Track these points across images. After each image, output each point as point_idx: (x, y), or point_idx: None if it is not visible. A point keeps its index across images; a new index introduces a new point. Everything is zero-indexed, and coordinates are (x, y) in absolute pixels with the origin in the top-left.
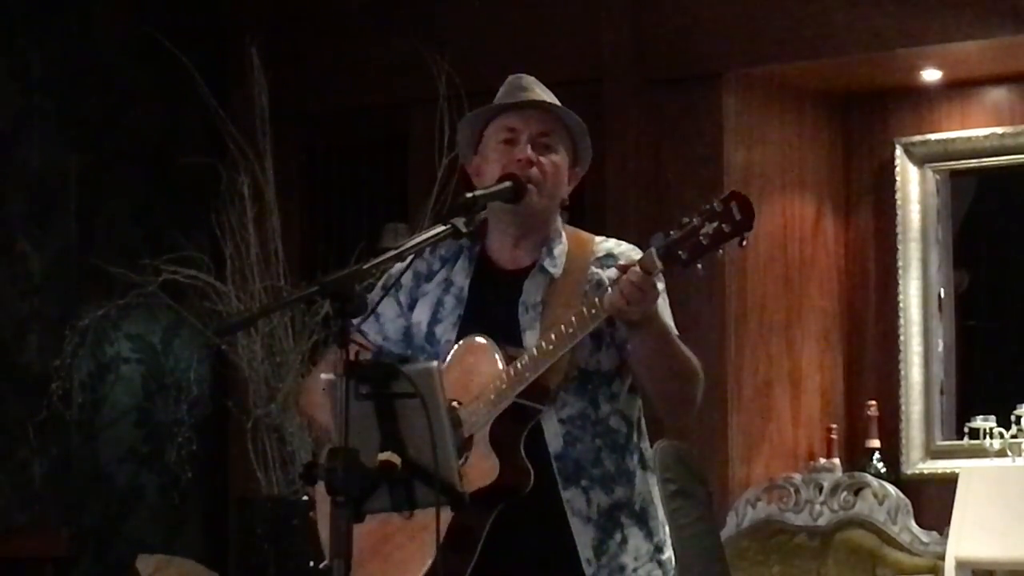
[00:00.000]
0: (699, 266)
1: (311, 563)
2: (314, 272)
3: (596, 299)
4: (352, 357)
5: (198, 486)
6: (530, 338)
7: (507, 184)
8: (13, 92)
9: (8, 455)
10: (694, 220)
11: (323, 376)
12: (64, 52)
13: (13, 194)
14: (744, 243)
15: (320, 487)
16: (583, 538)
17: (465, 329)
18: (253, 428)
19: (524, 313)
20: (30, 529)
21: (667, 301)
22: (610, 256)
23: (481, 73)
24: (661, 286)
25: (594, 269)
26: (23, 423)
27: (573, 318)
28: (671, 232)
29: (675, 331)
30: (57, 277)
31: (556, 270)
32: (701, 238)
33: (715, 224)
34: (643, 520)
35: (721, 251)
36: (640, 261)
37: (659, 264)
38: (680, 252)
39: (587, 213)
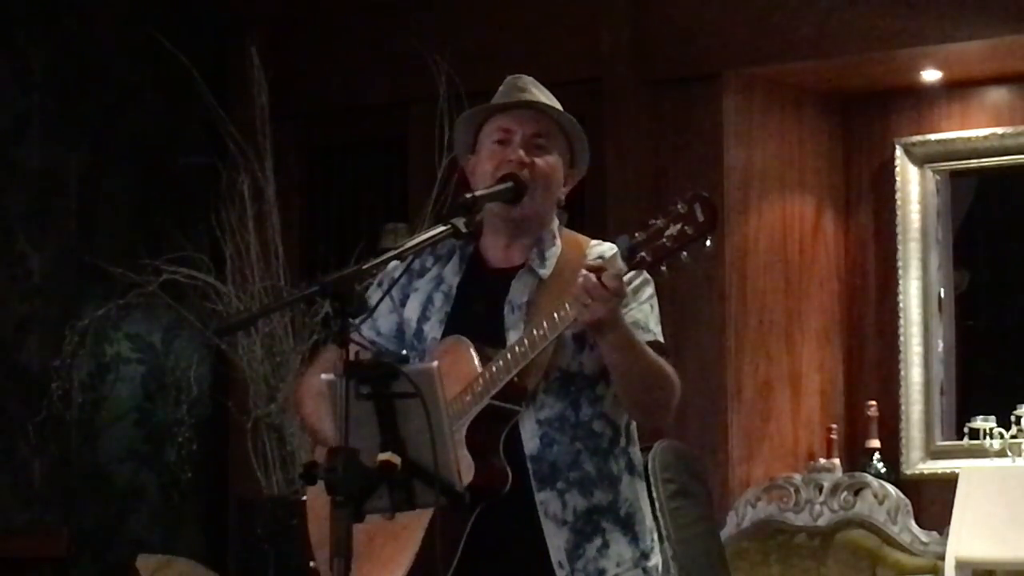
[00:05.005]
0: (663, 268)
1: (311, 563)
2: (314, 272)
3: (567, 303)
4: (352, 357)
5: (198, 486)
6: (513, 338)
7: (508, 184)
8: (14, 92)
9: (8, 455)
10: (658, 222)
11: (323, 376)
12: (64, 52)
13: (13, 194)
14: (708, 244)
15: (312, 487)
16: (556, 541)
17: (451, 327)
18: (253, 428)
19: (510, 313)
20: (30, 529)
21: (656, 306)
22: (601, 259)
23: (481, 73)
24: (651, 290)
25: (582, 271)
26: (23, 423)
27: (545, 322)
28: (636, 234)
29: (659, 336)
30: (57, 277)
31: (545, 271)
32: (665, 240)
33: (679, 226)
34: (628, 526)
35: (685, 254)
36: (606, 263)
37: (623, 267)
38: (644, 254)
39: (587, 213)
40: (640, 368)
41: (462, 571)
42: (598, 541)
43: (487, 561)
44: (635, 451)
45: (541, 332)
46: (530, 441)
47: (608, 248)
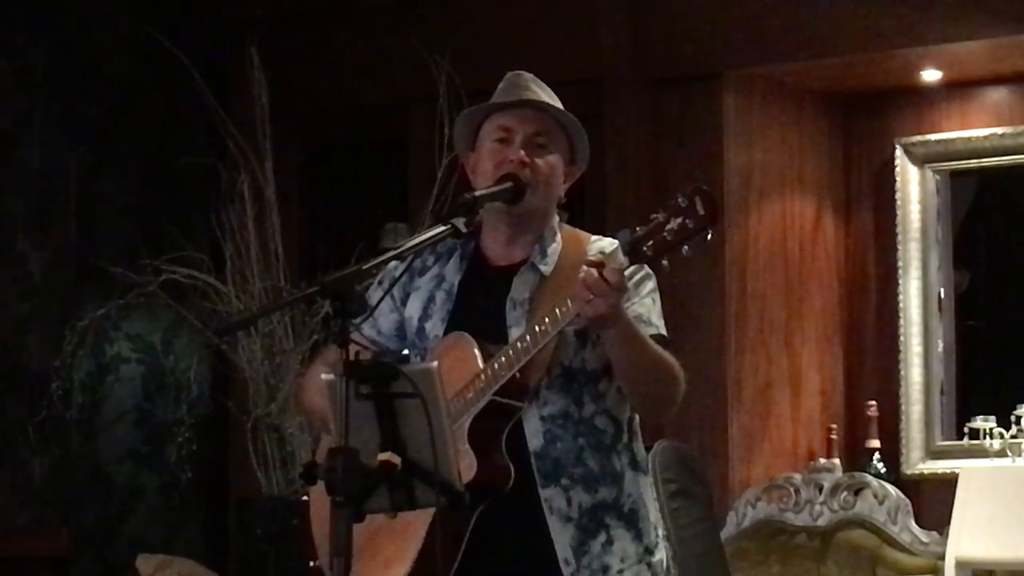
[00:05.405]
0: (664, 262)
1: (311, 563)
2: (314, 272)
3: (568, 299)
4: (352, 357)
5: (198, 486)
6: (515, 335)
7: (508, 184)
8: (14, 92)
9: (8, 455)
10: (659, 216)
11: (323, 376)
12: (65, 52)
13: (13, 194)
14: (709, 238)
15: (316, 487)
16: (561, 538)
17: (453, 325)
18: (253, 428)
19: (512, 310)
20: (30, 529)
21: (658, 300)
22: (602, 255)
23: (481, 73)
24: (652, 284)
25: (584, 268)
26: (23, 423)
27: (546, 318)
28: (637, 228)
29: (662, 330)
30: (57, 277)
31: (546, 268)
32: (666, 234)
33: (679, 219)
34: (632, 521)
35: (687, 248)
36: (607, 258)
37: (624, 261)
38: (645, 248)
39: (587, 212)
40: (644, 362)
41: (468, 568)
42: (602, 537)
43: (492, 558)
44: (638, 447)
45: (543, 328)
46: (533, 438)
47: (609, 243)
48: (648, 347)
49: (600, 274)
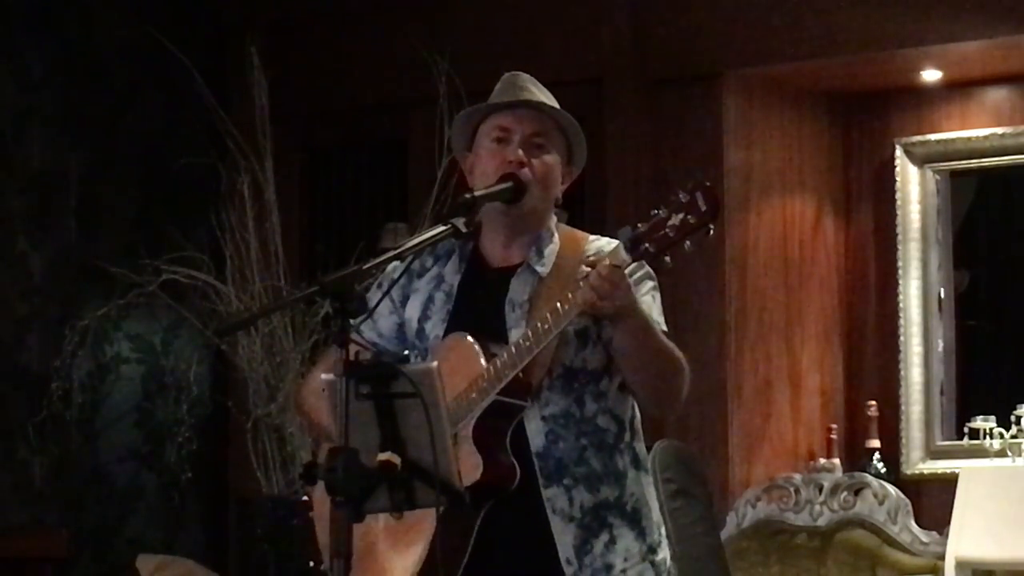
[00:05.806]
0: (667, 258)
1: (311, 563)
2: (314, 272)
3: (569, 295)
4: (352, 357)
5: (198, 486)
6: (516, 336)
7: (508, 184)
8: (13, 92)
9: (8, 455)
10: (660, 212)
11: (323, 376)
12: (64, 52)
13: (13, 194)
14: (711, 233)
15: (319, 488)
16: (564, 538)
17: (453, 326)
18: (253, 428)
19: (511, 311)
20: (30, 529)
21: (658, 298)
22: (601, 253)
23: (481, 73)
24: (652, 283)
25: (584, 268)
26: (23, 423)
27: (549, 315)
28: (639, 225)
29: (663, 326)
30: (57, 277)
31: (544, 269)
32: (668, 230)
33: (681, 215)
34: (635, 520)
35: (688, 244)
36: (608, 255)
37: (627, 258)
38: (647, 245)
39: (587, 213)
40: (655, 354)
41: (470, 568)
42: (605, 537)
43: (495, 558)
44: (640, 446)
45: (545, 326)
46: (536, 438)
47: (607, 243)
48: (659, 338)
49: (608, 274)
